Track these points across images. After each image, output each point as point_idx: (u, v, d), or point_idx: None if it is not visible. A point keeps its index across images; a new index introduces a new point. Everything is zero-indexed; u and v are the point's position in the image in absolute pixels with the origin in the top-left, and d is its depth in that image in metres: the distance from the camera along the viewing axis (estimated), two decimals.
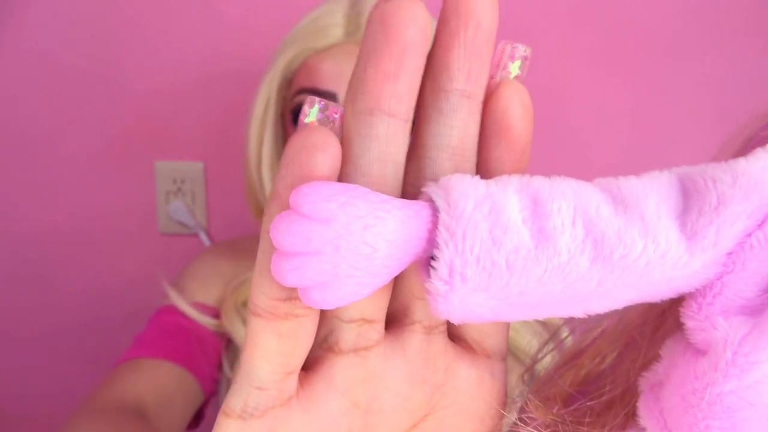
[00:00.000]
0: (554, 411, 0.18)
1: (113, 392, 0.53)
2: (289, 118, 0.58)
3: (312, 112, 0.15)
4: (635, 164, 0.78)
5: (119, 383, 0.55)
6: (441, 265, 0.13)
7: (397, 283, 0.16)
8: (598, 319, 0.20)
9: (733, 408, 0.13)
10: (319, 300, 0.14)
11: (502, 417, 0.18)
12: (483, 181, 0.14)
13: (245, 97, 0.79)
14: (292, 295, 0.14)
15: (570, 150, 0.78)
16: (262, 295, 0.15)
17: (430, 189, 0.14)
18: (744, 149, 0.16)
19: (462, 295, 0.13)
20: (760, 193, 0.13)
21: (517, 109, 0.16)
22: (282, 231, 0.13)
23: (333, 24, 0.55)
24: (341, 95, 0.53)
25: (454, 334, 0.18)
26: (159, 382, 0.56)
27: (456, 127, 0.15)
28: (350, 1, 0.57)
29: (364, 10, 0.55)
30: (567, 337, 0.22)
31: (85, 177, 0.83)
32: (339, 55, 0.54)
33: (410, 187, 0.16)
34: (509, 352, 0.56)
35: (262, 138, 0.59)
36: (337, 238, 0.13)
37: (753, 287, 0.14)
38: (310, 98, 0.15)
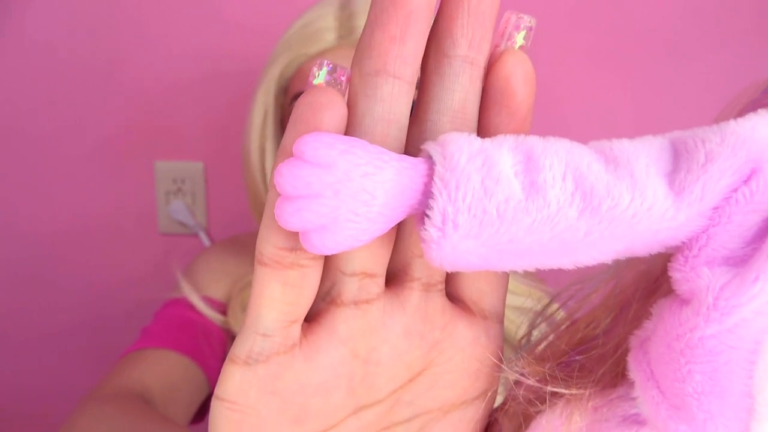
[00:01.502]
0: (546, 368, 0.18)
1: (120, 381, 0.54)
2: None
3: (321, 74, 0.16)
4: None
5: (126, 373, 0.55)
6: (435, 213, 0.14)
7: (397, 241, 0.17)
8: (594, 285, 0.21)
9: (715, 352, 0.14)
10: (319, 244, 0.14)
11: (495, 377, 0.19)
12: (478, 138, 0.15)
13: (245, 97, 0.79)
14: (297, 245, 0.15)
15: None
16: (268, 245, 0.15)
17: (428, 144, 0.15)
18: (741, 115, 0.16)
19: (454, 241, 0.14)
20: (747, 150, 0.14)
21: (519, 78, 0.16)
22: (285, 175, 0.14)
23: (325, 28, 0.55)
24: None
25: (452, 294, 0.18)
26: (166, 371, 0.56)
27: (457, 92, 0.16)
28: (340, 3, 0.56)
29: (355, 11, 0.55)
30: (558, 309, 0.23)
31: (85, 177, 0.83)
32: (333, 60, 0.54)
33: (412, 149, 0.16)
34: (506, 342, 0.56)
35: (264, 148, 0.60)
36: (337, 183, 0.14)
37: (737, 239, 0.14)
38: (319, 61, 0.16)
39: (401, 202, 0.14)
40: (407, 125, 0.16)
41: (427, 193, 0.15)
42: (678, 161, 0.15)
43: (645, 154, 0.15)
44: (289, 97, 0.57)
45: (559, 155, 0.15)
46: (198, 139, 0.81)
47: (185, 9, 0.77)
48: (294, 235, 0.15)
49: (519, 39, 0.17)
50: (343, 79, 0.16)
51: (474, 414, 0.19)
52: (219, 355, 0.61)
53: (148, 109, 0.81)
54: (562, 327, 0.21)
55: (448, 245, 0.14)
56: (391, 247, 0.17)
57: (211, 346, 0.61)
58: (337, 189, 0.14)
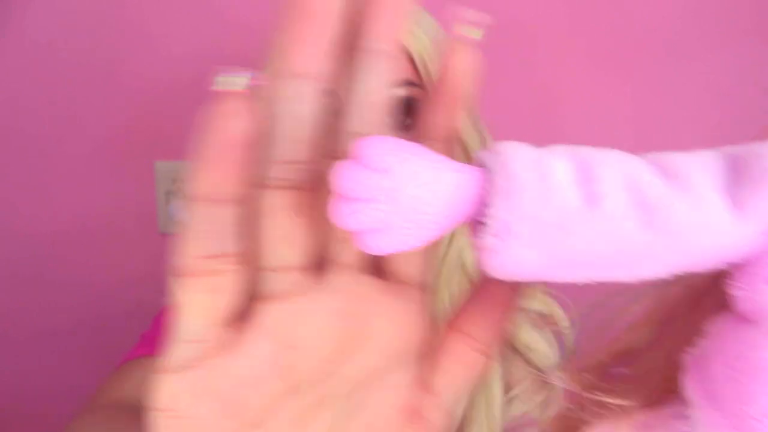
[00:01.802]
0: (586, 380, 0.19)
1: (117, 390, 0.54)
2: None
3: (236, 81, 0.16)
4: None
5: (124, 381, 0.55)
6: (493, 221, 0.14)
7: (319, 227, 0.17)
8: (635, 297, 0.21)
9: None
10: (373, 245, 0.15)
11: (425, 340, 0.20)
12: (533, 147, 0.15)
13: None
14: (214, 252, 0.16)
15: None
16: (186, 257, 0.16)
17: (483, 153, 0.15)
18: None
19: (512, 251, 0.14)
20: None
21: (455, 65, 0.17)
22: (344, 177, 0.14)
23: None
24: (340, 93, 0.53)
25: (377, 269, 0.19)
26: None
27: (371, 83, 0.17)
28: None
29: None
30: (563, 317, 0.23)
31: (85, 177, 0.83)
32: None
33: (336, 143, 0.17)
34: (510, 345, 0.57)
35: None
36: (394, 190, 0.14)
37: None
38: (233, 70, 0.17)
39: (456, 210, 0.15)
40: (322, 121, 0.17)
41: (481, 203, 0.15)
42: (736, 176, 0.14)
43: (701, 167, 0.14)
44: None
45: (614, 166, 0.14)
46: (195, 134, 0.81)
47: (185, 9, 0.77)
48: (209, 243, 0.16)
49: (463, 32, 0.18)
50: (257, 83, 0.16)
51: (410, 377, 0.20)
52: None
53: (148, 109, 0.81)
54: (603, 338, 0.21)
55: (506, 254, 0.14)
56: (313, 237, 0.17)
57: None
58: (394, 196, 0.14)
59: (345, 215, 0.14)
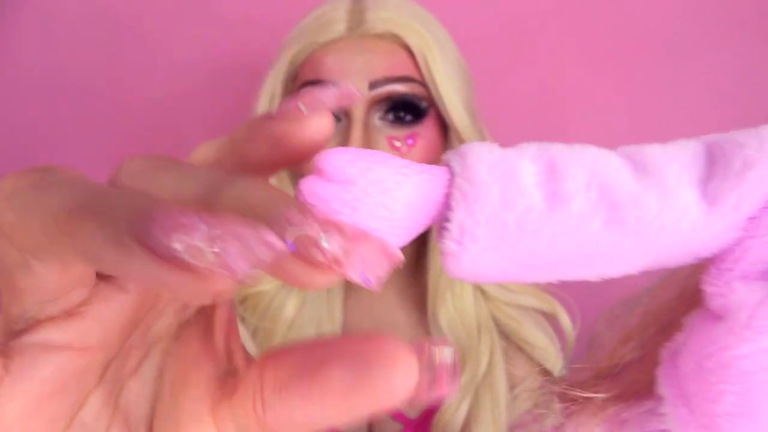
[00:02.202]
0: (591, 388, 0.19)
1: None
2: None
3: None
4: None
5: None
6: (453, 226, 0.14)
7: None
8: (630, 306, 0.20)
9: (748, 372, 0.13)
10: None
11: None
12: (499, 147, 0.15)
13: (246, 98, 0.79)
14: None
15: None
16: None
17: (449, 154, 0.15)
18: None
19: (473, 254, 0.14)
20: None
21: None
22: (304, 192, 0.14)
23: (336, 19, 0.57)
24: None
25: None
26: None
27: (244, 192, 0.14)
28: None
29: (365, 6, 0.57)
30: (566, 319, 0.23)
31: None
32: (342, 49, 0.55)
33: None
34: (514, 342, 0.57)
35: None
36: (356, 201, 0.14)
37: None
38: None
39: (423, 214, 0.14)
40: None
41: (447, 204, 0.14)
42: (713, 167, 0.14)
43: (677, 159, 0.14)
44: (297, 84, 0.58)
45: (583, 163, 0.14)
46: (198, 140, 0.81)
47: (184, 12, 0.77)
48: None
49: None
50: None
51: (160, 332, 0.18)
52: None
53: (148, 111, 0.81)
54: (601, 351, 0.21)
55: (466, 258, 0.14)
56: (71, 270, 0.15)
57: None
58: (356, 206, 0.14)
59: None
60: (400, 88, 0.54)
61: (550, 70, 0.76)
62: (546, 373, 0.55)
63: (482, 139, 0.55)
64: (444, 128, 0.56)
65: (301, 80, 0.58)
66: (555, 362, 0.55)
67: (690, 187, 0.14)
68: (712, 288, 0.14)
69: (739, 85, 0.74)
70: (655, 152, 0.14)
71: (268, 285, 0.62)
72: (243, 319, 0.61)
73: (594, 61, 0.76)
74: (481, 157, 0.14)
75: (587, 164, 0.14)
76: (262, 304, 0.62)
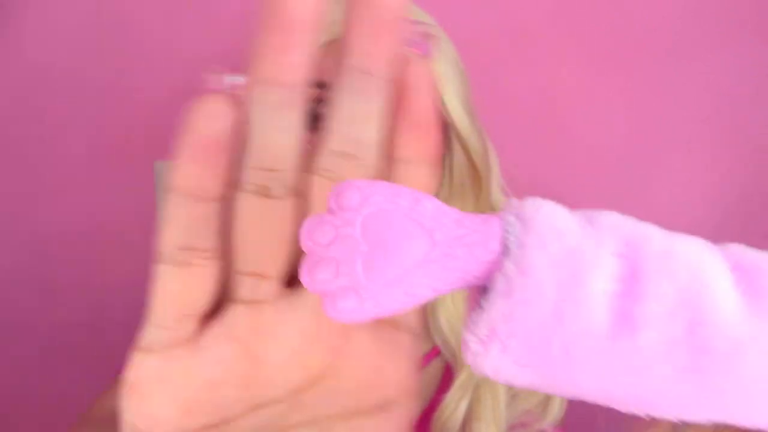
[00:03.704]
0: None
1: (112, 402, 0.54)
2: None
3: (220, 82, 0.16)
4: (635, 165, 0.77)
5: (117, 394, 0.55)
6: (483, 323, 0.11)
7: (297, 241, 0.17)
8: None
9: None
10: (331, 310, 0.13)
11: (405, 390, 0.18)
12: (577, 225, 0.11)
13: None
14: (188, 245, 0.16)
15: (568, 151, 0.78)
16: (164, 242, 0.16)
17: (510, 215, 0.11)
18: None
19: (498, 363, 0.11)
20: None
21: (423, 83, 0.16)
22: (309, 231, 0.13)
23: (333, 21, 0.56)
24: None
25: None
26: None
27: (348, 101, 0.16)
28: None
29: None
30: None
31: (85, 177, 0.83)
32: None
33: (313, 159, 0.16)
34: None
35: None
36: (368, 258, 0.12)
37: None
38: (218, 75, 0.17)
39: (453, 282, 0.12)
40: (303, 132, 0.16)
41: (488, 276, 0.11)
42: None
43: None
44: None
45: (678, 277, 0.10)
46: None
47: (184, 10, 0.77)
48: (186, 234, 0.16)
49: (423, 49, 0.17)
50: (240, 87, 0.16)
51: (377, 427, 0.18)
52: None
53: (148, 109, 0.81)
54: None
55: (489, 364, 0.11)
56: (290, 250, 0.17)
57: None
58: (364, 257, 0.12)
59: (301, 272, 0.12)
60: None
61: (550, 70, 0.76)
62: None
63: (481, 138, 0.54)
64: (444, 128, 0.56)
65: None
66: None
67: None
68: None
69: (740, 85, 0.74)
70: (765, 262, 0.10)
71: None
72: None
73: (594, 61, 0.76)
74: (546, 243, 0.10)
75: (682, 278, 0.10)
76: None
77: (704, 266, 0.10)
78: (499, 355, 0.11)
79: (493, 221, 0.11)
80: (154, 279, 0.17)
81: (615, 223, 0.11)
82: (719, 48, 0.74)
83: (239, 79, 0.16)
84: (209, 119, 0.15)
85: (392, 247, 0.11)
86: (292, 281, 0.17)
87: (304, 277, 0.12)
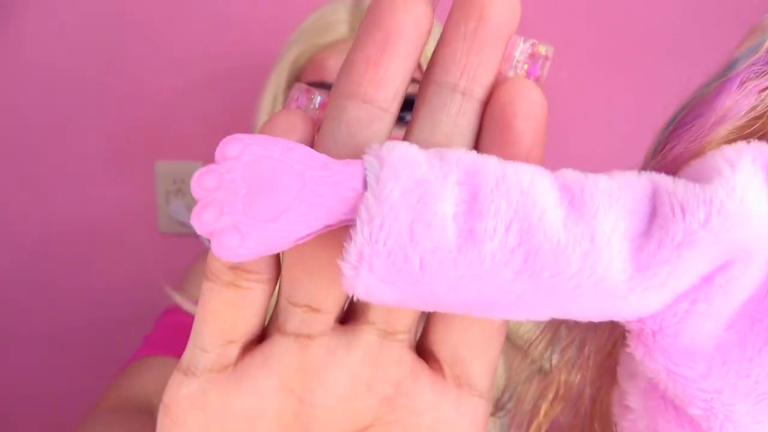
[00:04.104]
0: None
1: (124, 391, 0.54)
2: None
3: (298, 97, 0.16)
4: (635, 165, 0.77)
5: (130, 382, 0.55)
6: (352, 249, 0.13)
7: None
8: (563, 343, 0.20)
9: None
10: (218, 248, 0.13)
11: None
12: (426, 161, 0.13)
13: (245, 97, 0.79)
14: (237, 265, 0.15)
15: (569, 150, 0.78)
16: (215, 260, 0.15)
17: (369, 156, 0.13)
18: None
19: (367, 282, 0.13)
20: (732, 236, 0.12)
21: (520, 105, 0.14)
22: (195, 179, 0.14)
23: (338, 21, 0.57)
24: None
25: (425, 349, 0.16)
26: (167, 379, 0.56)
27: (443, 123, 0.14)
28: (353, 0, 0.59)
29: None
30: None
31: (85, 177, 0.83)
32: (345, 50, 0.56)
33: None
34: (510, 340, 0.57)
35: None
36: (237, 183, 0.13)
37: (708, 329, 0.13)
38: (298, 85, 0.16)
39: (323, 217, 0.13)
40: None
41: (353, 204, 0.13)
42: (653, 223, 0.13)
43: (618, 205, 0.13)
44: None
45: (511, 196, 0.12)
46: (198, 139, 0.81)
47: (185, 10, 0.77)
48: None
49: (528, 67, 0.15)
50: (318, 101, 0.15)
51: None
52: None
53: (149, 110, 0.81)
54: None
55: (360, 285, 0.13)
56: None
57: None
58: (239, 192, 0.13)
59: (192, 217, 0.13)
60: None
61: (550, 69, 0.76)
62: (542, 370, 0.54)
63: None
64: None
65: (304, 81, 0.58)
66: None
67: (622, 241, 0.12)
68: (638, 356, 0.13)
69: None
70: (598, 189, 0.13)
71: None
72: None
73: (595, 61, 0.76)
74: (398, 175, 0.12)
75: (514, 198, 0.12)
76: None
77: (533, 186, 0.13)
78: (367, 275, 0.13)
79: (356, 163, 0.13)
80: (200, 297, 0.16)
81: (459, 156, 0.13)
82: (720, 48, 0.74)
83: (319, 94, 0.15)
84: (279, 134, 0.14)
85: (267, 188, 0.13)
86: (346, 318, 0.16)
87: (193, 220, 0.13)
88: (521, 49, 0.15)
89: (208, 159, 0.84)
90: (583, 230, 0.12)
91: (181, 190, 0.82)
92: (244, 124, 0.80)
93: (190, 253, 0.82)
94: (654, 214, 0.13)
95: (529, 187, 0.13)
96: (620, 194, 0.13)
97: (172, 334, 0.60)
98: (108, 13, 0.78)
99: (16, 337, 0.88)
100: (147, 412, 0.52)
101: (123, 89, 0.80)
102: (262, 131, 0.14)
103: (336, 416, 0.16)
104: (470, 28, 0.14)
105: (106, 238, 0.84)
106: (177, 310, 0.62)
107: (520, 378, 0.23)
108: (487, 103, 0.15)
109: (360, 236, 0.12)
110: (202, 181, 0.13)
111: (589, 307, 0.13)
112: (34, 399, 0.89)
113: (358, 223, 0.13)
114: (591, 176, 0.13)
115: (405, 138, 0.15)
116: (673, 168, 0.15)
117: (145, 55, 0.79)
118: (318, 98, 0.15)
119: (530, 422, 0.20)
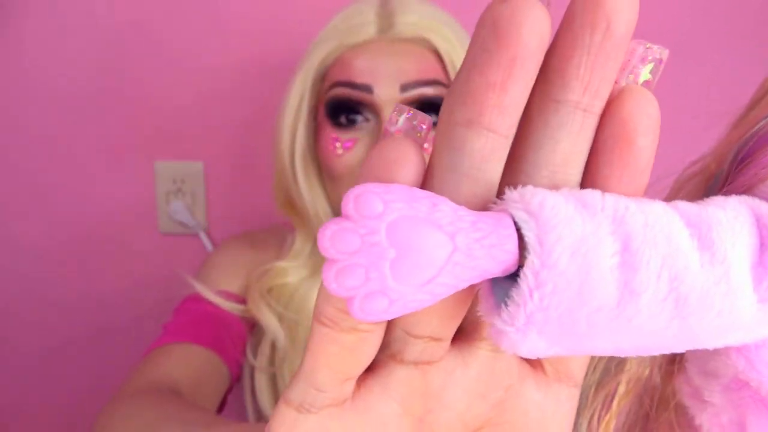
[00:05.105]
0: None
1: (149, 376, 0.55)
2: (322, 110, 0.60)
3: (400, 120, 0.14)
4: None
5: (153, 367, 0.56)
6: (519, 314, 0.12)
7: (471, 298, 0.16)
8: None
9: None
10: (360, 312, 0.12)
11: None
12: (577, 213, 0.12)
13: (245, 97, 0.79)
14: None
15: None
16: (328, 305, 0.14)
17: (518, 211, 0.12)
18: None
19: (533, 345, 0.13)
20: None
21: (641, 121, 0.13)
22: (327, 236, 0.12)
23: (366, 22, 0.58)
24: (376, 89, 0.55)
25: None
26: (191, 365, 0.57)
27: (562, 143, 0.13)
28: (380, 1, 0.59)
29: (394, 10, 0.58)
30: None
31: (85, 177, 0.83)
32: (373, 51, 0.57)
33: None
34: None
35: (296, 129, 0.61)
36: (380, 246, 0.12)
37: None
38: (398, 106, 0.14)
39: (474, 279, 0.13)
40: (498, 185, 0.14)
41: (508, 265, 0.12)
42: (763, 253, 0.13)
43: (740, 239, 0.13)
44: (326, 85, 0.59)
45: (658, 244, 0.12)
46: (198, 139, 0.81)
47: (186, 11, 0.77)
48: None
49: (644, 73, 0.14)
50: (424, 127, 0.14)
51: None
52: (238, 346, 0.64)
53: (148, 109, 0.80)
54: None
55: (525, 348, 0.13)
56: (465, 312, 0.15)
57: (231, 337, 0.62)
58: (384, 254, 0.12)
59: (328, 278, 0.12)
60: (429, 91, 0.55)
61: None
62: None
63: None
64: None
65: (331, 81, 0.58)
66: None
67: (748, 276, 0.13)
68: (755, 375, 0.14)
69: (743, 85, 0.74)
70: (722, 225, 0.13)
71: (291, 278, 0.64)
72: (270, 307, 0.63)
73: None
74: (561, 236, 0.12)
75: (662, 246, 0.12)
76: (285, 295, 0.64)
77: (671, 229, 0.13)
78: (536, 339, 0.12)
79: (506, 220, 0.13)
80: (311, 339, 0.15)
81: (598, 201, 0.13)
82: (722, 48, 0.73)
83: (420, 116, 0.14)
84: (391, 167, 0.13)
85: (419, 253, 0.12)
86: (457, 334, 0.16)
87: (331, 283, 0.12)
88: (639, 54, 0.14)
89: (209, 159, 0.84)
90: (719, 272, 0.12)
91: (181, 190, 0.82)
92: (244, 124, 0.80)
93: (190, 253, 0.82)
94: (763, 244, 0.13)
95: (669, 231, 0.13)
96: (738, 227, 0.13)
97: (191, 321, 0.61)
98: (108, 14, 0.78)
99: (16, 337, 0.87)
100: (174, 392, 0.53)
101: (123, 89, 0.80)
102: (371, 164, 0.13)
103: (451, 426, 0.16)
104: (596, 41, 0.13)
105: (106, 238, 0.84)
106: (195, 298, 0.63)
107: (593, 377, 0.23)
108: (603, 113, 0.14)
109: (530, 302, 0.12)
110: (340, 243, 0.12)
111: (720, 341, 0.13)
112: (32, 398, 0.89)
113: (524, 288, 0.12)
114: (709, 209, 0.13)
115: (515, 156, 0.14)
116: (742, 190, 0.16)
117: (145, 56, 0.79)
118: (423, 124, 0.14)
119: (601, 417, 0.20)
